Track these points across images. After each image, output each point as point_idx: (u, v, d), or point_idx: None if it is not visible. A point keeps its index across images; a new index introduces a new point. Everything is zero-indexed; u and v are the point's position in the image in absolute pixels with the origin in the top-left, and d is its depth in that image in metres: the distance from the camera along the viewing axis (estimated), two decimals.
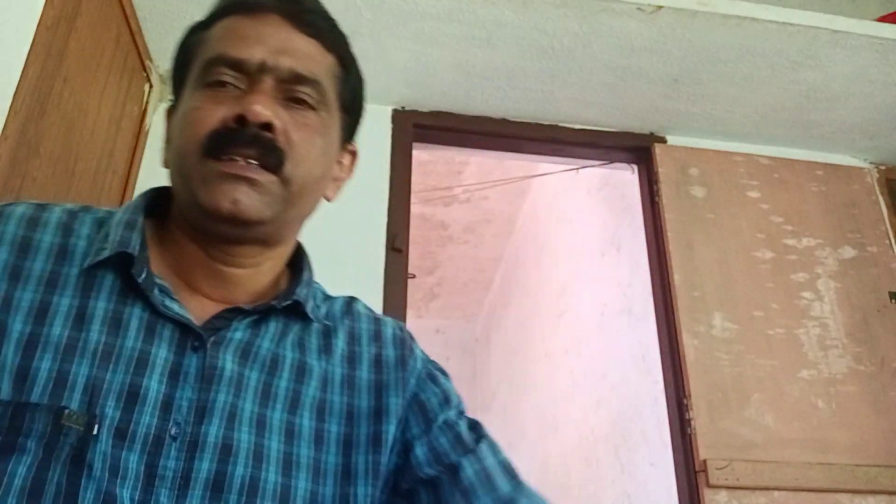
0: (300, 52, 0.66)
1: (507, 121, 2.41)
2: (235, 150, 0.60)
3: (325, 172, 0.69)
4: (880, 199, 2.48)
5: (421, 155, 2.51)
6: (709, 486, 1.90)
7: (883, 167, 2.56)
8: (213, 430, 0.57)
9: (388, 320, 0.75)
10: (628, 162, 2.53)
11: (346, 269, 2.04)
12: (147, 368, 0.57)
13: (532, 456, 3.69)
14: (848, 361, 2.17)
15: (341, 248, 2.08)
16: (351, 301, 0.75)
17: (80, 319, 0.57)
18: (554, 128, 2.43)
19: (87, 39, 1.53)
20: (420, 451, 0.65)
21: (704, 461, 1.93)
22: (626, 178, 2.59)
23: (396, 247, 2.14)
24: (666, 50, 2.06)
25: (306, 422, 0.62)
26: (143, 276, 0.60)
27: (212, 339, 0.60)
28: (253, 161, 0.60)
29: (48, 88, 1.35)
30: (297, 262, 0.72)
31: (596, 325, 3.09)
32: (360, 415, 0.65)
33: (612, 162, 2.57)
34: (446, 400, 0.70)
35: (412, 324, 2.41)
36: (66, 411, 0.53)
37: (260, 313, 0.64)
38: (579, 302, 3.31)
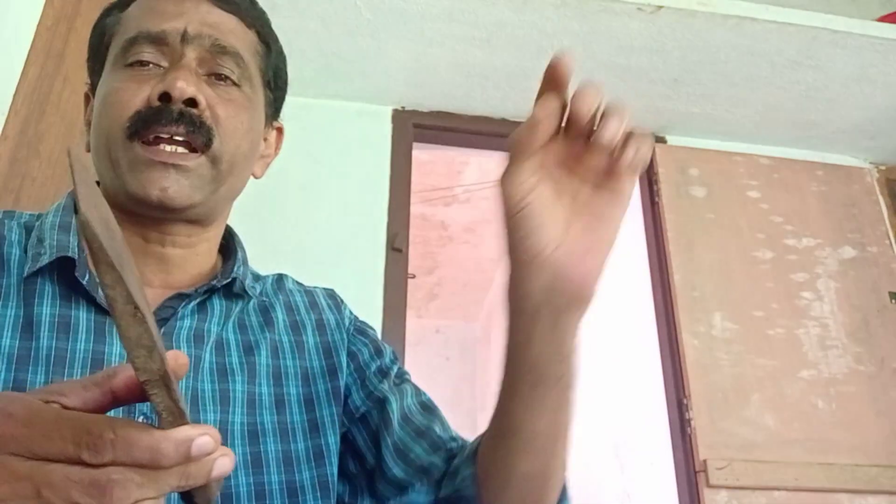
0: (221, 26, 0.66)
1: (507, 121, 2.41)
2: (161, 128, 0.59)
3: (252, 149, 0.68)
4: (880, 199, 2.48)
5: (421, 155, 2.51)
6: (709, 486, 1.90)
7: (883, 167, 2.56)
8: None
9: (318, 289, 0.77)
10: None
11: (346, 269, 2.04)
12: (103, 368, 0.56)
13: None
14: (848, 361, 2.17)
15: (341, 248, 2.08)
16: (280, 277, 0.76)
17: (28, 328, 0.56)
18: None
19: (87, 39, 1.53)
20: (356, 395, 0.68)
21: (704, 461, 1.93)
22: None
23: (396, 247, 2.14)
24: (666, 50, 2.06)
25: (265, 389, 0.63)
26: (87, 277, 0.59)
27: (162, 330, 0.59)
28: (179, 138, 0.60)
29: (48, 88, 1.35)
30: (230, 244, 0.73)
31: (595, 324, 3.08)
32: (314, 375, 0.67)
33: None
34: (378, 351, 0.72)
35: (412, 324, 2.41)
36: None
37: (202, 295, 0.64)
38: None
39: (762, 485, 1.93)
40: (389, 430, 0.65)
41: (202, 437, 0.32)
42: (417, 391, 0.72)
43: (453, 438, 0.67)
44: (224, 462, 0.33)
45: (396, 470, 0.64)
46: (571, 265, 0.46)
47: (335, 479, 0.63)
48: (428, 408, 0.70)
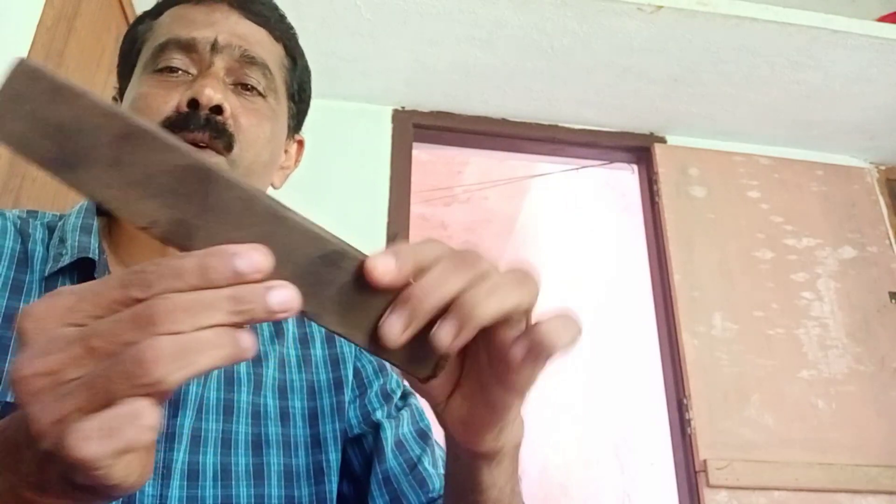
0: (250, 37, 0.67)
1: (507, 121, 2.41)
2: (188, 134, 0.60)
3: (272, 158, 0.69)
4: (880, 199, 2.48)
5: (421, 155, 2.52)
6: (709, 486, 1.90)
7: (883, 167, 2.56)
8: (187, 423, 0.57)
9: None
10: (628, 162, 2.53)
11: None
12: None
13: (532, 456, 3.69)
14: (848, 361, 2.17)
15: None
16: None
17: None
18: (554, 128, 2.43)
19: (87, 39, 1.53)
20: (352, 413, 0.68)
21: (704, 461, 1.93)
22: (626, 178, 2.59)
23: None
24: (666, 50, 2.06)
25: (270, 401, 0.63)
26: None
27: None
28: (203, 144, 0.61)
29: None
30: None
31: (596, 324, 3.08)
32: (320, 388, 0.67)
33: (612, 162, 2.57)
34: (381, 368, 0.72)
35: None
36: None
37: None
38: (579, 301, 3.31)
39: (762, 485, 1.93)
40: (381, 457, 0.65)
41: (248, 250, 0.29)
42: (416, 417, 0.70)
43: (440, 476, 0.66)
44: (282, 294, 0.29)
45: (380, 501, 0.64)
46: (454, 427, 0.42)
47: (334, 496, 0.63)
48: (424, 435, 0.69)
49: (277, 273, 0.30)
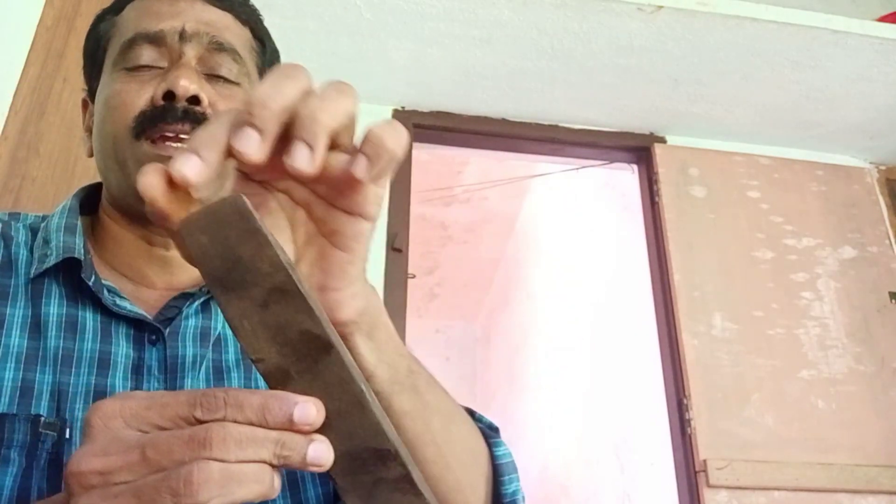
0: (217, 23, 0.66)
1: (507, 121, 2.41)
2: (167, 126, 0.59)
3: None
4: (880, 199, 2.48)
5: (421, 155, 2.52)
6: (709, 486, 1.90)
7: (883, 167, 2.56)
8: None
9: None
10: (628, 162, 2.53)
11: None
12: (109, 368, 0.56)
13: (532, 456, 3.69)
14: (848, 361, 2.17)
15: None
16: None
17: (36, 328, 0.56)
18: (554, 128, 2.43)
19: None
20: None
21: (704, 461, 1.93)
22: (626, 178, 2.59)
23: (396, 247, 2.15)
24: (666, 50, 2.06)
25: (262, 384, 0.63)
26: (93, 279, 0.59)
27: (168, 329, 0.59)
28: (185, 136, 0.60)
29: (48, 88, 1.35)
30: None
31: (595, 324, 3.09)
32: None
33: (612, 162, 2.57)
34: None
35: (412, 324, 2.41)
36: (42, 419, 0.52)
37: (206, 294, 0.63)
38: (579, 301, 3.31)
39: (762, 485, 1.93)
40: None
41: (307, 403, 0.32)
42: None
43: None
44: (321, 448, 0.32)
45: None
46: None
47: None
48: None
49: (333, 443, 0.33)
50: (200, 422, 0.31)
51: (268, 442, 0.31)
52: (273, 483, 0.32)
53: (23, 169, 1.28)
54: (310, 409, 0.32)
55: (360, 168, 0.35)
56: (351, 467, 0.35)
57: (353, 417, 0.35)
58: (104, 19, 0.69)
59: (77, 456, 0.31)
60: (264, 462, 0.31)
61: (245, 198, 0.34)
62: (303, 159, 0.33)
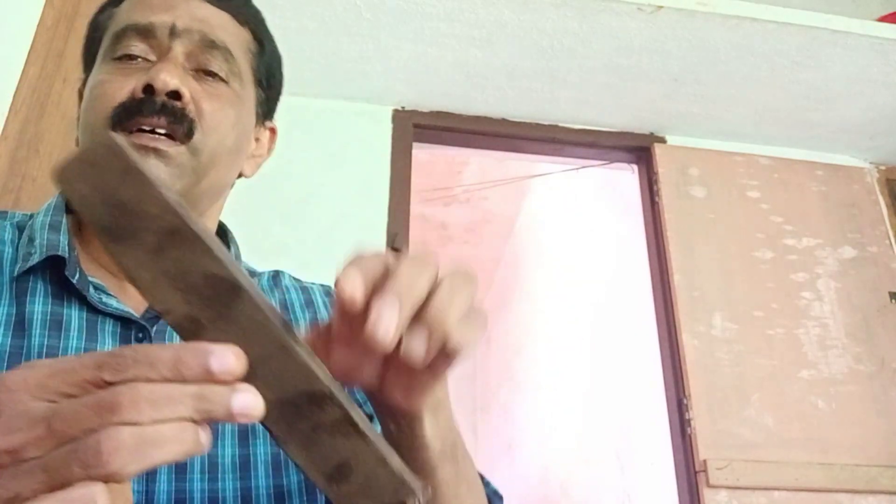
0: (211, 21, 0.66)
1: (507, 121, 2.41)
2: (143, 119, 0.59)
3: (238, 145, 0.67)
4: (880, 199, 2.48)
5: (421, 155, 2.52)
6: (709, 486, 1.90)
7: (883, 167, 2.56)
8: None
9: (315, 286, 0.75)
10: (628, 162, 2.53)
11: None
12: None
13: (532, 456, 3.69)
14: (848, 361, 2.17)
15: (341, 247, 2.08)
16: (277, 274, 0.75)
17: (21, 326, 0.56)
18: (554, 128, 2.43)
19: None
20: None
21: (704, 461, 1.93)
22: (626, 178, 2.59)
23: (396, 247, 2.14)
24: (666, 50, 2.06)
25: None
26: (77, 276, 0.59)
27: (154, 328, 0.59)
28: (161, 130, 0.59)
29: (48, 88, 1.35)
30: (223, 241, 0.71)
31: (596, 324, 3.09)
32: None
33: (612, 162, 2.57)
34: None
35: None
36: None
37: None
38: (579, 301, 3.31)
39: (762, 485, 1.93)
40: None
41: (223, 350, 0.30)
42: None
43: None
44: (246, 398, 0.30)
45: None
46: (393, 397, 0.41)
47: None
48: None
49: (262, 391, 0.30)
50: (111, 384, 0.29)
51: (185, 397, 0.29)
52: (198, 440, 0.29)
53: (23, 169, 1.28)
54: (227, 357, 0.30)
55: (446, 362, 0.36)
56: (285, 415, 0.33)
57: (278, 361, 0.33)
58: (104, 10, 0.69)
59: None
60: (184, 420, 0.29)
61: (117, 135, 0.32)
62: (419, 350, 0.34)
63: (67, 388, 0.29)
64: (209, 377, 0.30)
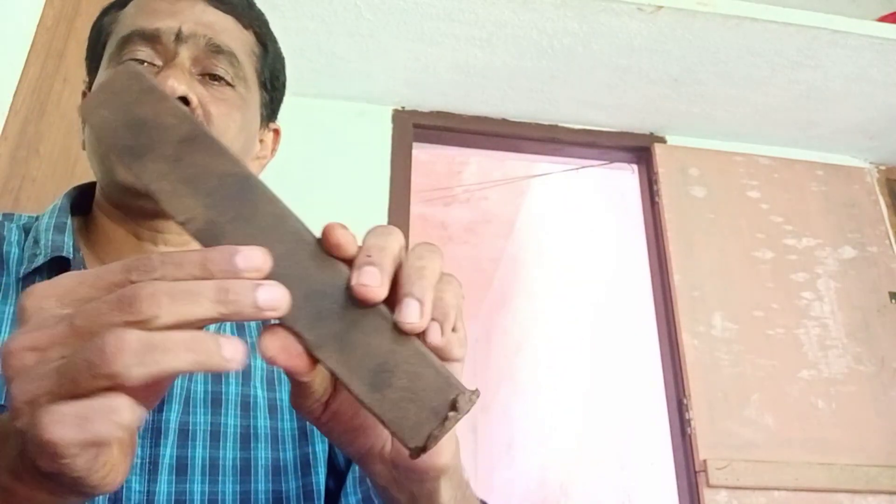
0: (216, 25, 0.66)
1: (507, 121, 2.41)
2: None
3: (245, 148, 0.68)
4: (880, 199, 2.48)
5: (421, 155, 2.52)
6: (709, 486, 1.90)
7: (883, 167, 2.56)
8: (174, 417, 0.57)
9: None
10: (628, 162, 2.53)
11: None
12: None
13: (532, 456, 3.69)
14: (848, 361, 2.17)
15: None
16: None
17: None
18: (554, 128, 2.43)
19: (87, 39, 1.53)
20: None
21: (704, 461, 1.93)
22: (626, 178, 2.59)
23: None
24: (666, 50, 2.06)
25: (260, 392, 0.62)
26: None
27: None
28: None
29: (48, 88, 1.35)
30: None
31: (595, 324, 3.08)
32: None
33: (612, 162, 2.57)
34: None
35: None
36: None
37: None
38: (579, 301, 3.31)
39: (762, 485, 1.93)
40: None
41: (250, 248, 0.30)
42: None
43: None
44: (272, 290, 0.29)
45: (353, 499, 0.62)
46: (401, 459, 0.39)
47: (321, 487, 0.62)
48: None
49: (288, 291, 0.30)
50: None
51: (207, 290, 0.28)
52: (218, 351, 0.28)
53: (23, 169, 1.28)
54: (254, 253, 0.30)
55: (435, 335, 0.34)
56: (314, 317, 0.32)
57: (299, 257, 0.33)
58: (108, 13, 0.70)
59: (9, 338, 0.29)
60: (205, 319, 0.28)
61: (134, 64, 0.34)
62: (414, 314, 0.33)
63: (95, 292, 0.29)
64: (235, 275, 0.29)
